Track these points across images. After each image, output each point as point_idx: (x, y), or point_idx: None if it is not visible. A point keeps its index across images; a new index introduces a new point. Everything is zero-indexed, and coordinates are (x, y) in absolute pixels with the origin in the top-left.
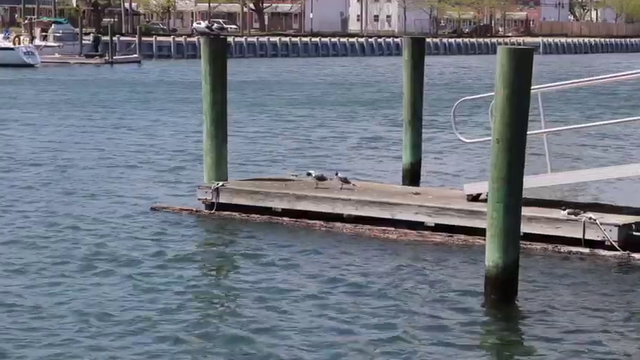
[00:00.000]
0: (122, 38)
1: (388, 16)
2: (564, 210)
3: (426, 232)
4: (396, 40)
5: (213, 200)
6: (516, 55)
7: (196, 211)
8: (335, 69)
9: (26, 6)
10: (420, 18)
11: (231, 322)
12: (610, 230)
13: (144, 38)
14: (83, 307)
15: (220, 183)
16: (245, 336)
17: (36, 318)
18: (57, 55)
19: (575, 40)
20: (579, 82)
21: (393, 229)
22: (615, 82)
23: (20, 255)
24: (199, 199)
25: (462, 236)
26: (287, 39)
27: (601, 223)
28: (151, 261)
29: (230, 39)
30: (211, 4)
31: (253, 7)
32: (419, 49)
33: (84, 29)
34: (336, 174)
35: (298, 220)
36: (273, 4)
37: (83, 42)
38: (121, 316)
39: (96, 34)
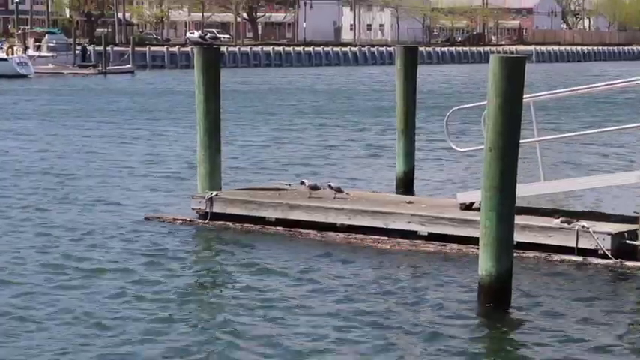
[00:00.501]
0: (115, 48)
1: (381, 25)
2: (557, 218)
3: (420, 241)
4: (389, 49)
5: (207, 210)
6: (508, 63)
7: (190, 221)
8: (328, 78)
9: (19, 16)
10: (412, 27)
11: (225, 332)
12: (603, 239)
13: (137, 48)
14: (73, 316)
15: (214, 193)
16: (238, 345)
17: (25, 326)
18: (50, 66)
19: (568, 48)
20: (572, 90)
21: (387, 238)
22: (607, 90)
23: (12, 263)
24: (193, 209)
25: (456, 245)
26: (280, 48)
27: (594, 232)
28: (143, 271)
29: (223, 49)
30: (204, 14)
31: (246, 17)
32: (412, 58)
33: (77, 39)
34: (330, 186)
35: (292, 229)
36: (267, 14)
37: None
38: (112, 325)
39: (83, 45)
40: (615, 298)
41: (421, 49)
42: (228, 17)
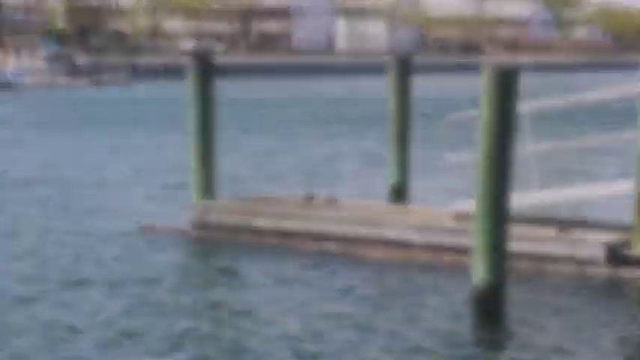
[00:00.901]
0: (110, 59)
1: (375, 36)
2: (552, 228)
3: (414, 251)
4: (383, 59)
5: (202, 220)
6: (502, 73)
7: (184, 230)
8: (322, 88)
9: (13, 27)
10: (407, 36)
11: (219, 341)
12: (597, 248)
13: (132, 59)
14: (61, 327)
15: (208, 202)
16: (232, 354)
17: (9, 336)
18: (44, 76)
19: (563, 57)
20: (565, 100)
21: (381, 247)
22: (602, 100)
23: (4, 272)
24: (188, 219)
25: (450, 254)
26: (274, 58)
27: (588, 241)
28: (137, 281)
29: (217, 59)
30: (198, 25)
31: (241, 28)
32: (405, 68)
33: (72, 50)
34: (324, 196)
35: (286, 239)
36: (261, 24)
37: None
38: (102, 336)
39: (71, 55)
40: (610, 308)
41: (415, 58)
42: (222, 28)
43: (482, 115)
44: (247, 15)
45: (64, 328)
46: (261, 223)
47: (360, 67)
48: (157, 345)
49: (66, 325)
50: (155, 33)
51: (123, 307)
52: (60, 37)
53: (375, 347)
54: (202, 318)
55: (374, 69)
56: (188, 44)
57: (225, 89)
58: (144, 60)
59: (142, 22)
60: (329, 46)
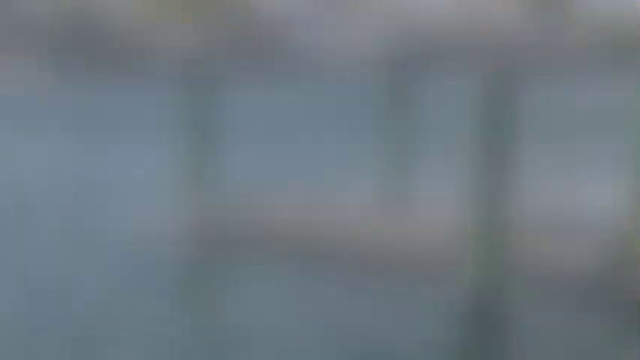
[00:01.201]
0: (107, 63)
1: (372, 40)
2: (547, 232)
3: (411, 256)
4: (381, 63)
5: (198, 224)
6: (499, 77)
7: (181, 234)
8: (320, 91)
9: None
10: (404, 41)
11: (216, 344)
12: (592, 253)
13: (129, 62)
14: (59, 336)
15: (203, 208)
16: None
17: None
18: (42, 80)
19: (560, 61)
20: (561, 103)
21: (377, 252)
22: (598, 105)
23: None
24: (182, 224)
25: (447, 260)
26: (272, 62)
27: (583, 246)
28: (133, 287)
29: (216, 62)
30: (196, 28)
31: (238, 32)
32: (404, 72)
33: (69, 54)
34: (320, 200)
35: (282, 243)
36: (259, 29)
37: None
38: (95, 352)
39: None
40: (605, 316)
41: (412, 62)
42: (220, 32)
43: (479, 119)
44: (245, 19)
45: (58, 337)
46: (258, 227)
47: (357, 71)
48: (155, 347)
49: (57, 333)
50: (153, 37)
51: (122, 310)
52: (58, 42)
53: (364, 357)
54: (201, 318)
55: (372, 73)
56: (186, 48)
57: (223, 92)
58: (142, 63)
59: (140, 26)
60: (327, 50)
